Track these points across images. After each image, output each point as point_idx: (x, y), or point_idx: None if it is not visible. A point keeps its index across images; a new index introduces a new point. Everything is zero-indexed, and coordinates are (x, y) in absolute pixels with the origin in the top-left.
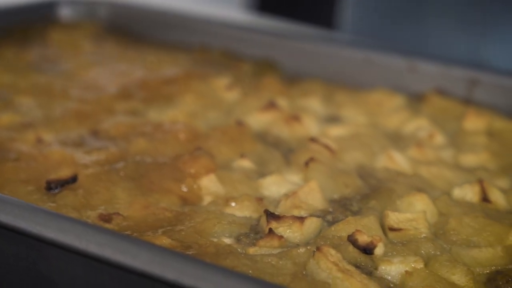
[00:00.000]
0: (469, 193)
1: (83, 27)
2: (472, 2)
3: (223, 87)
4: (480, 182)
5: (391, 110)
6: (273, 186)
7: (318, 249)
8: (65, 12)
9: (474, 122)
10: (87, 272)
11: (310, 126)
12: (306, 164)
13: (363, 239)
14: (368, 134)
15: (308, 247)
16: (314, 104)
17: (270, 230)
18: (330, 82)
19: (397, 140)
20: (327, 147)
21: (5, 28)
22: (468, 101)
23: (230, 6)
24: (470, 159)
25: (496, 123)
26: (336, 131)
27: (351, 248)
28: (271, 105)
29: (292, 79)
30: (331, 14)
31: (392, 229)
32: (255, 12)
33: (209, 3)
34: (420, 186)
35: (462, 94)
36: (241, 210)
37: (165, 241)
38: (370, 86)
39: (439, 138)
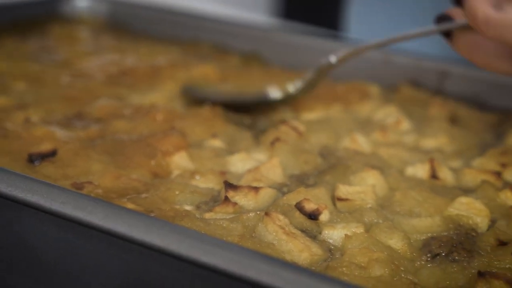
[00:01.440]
0: (420, 170)
1: (83, 22)
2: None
3: (203, 75)
4: (431, 160)
5: (364, 99)
6: (239, 163)
7: (266, 214)
8: (66, 8)
9: (439, 110)
10: (53, 229)
11: (283, 111)
12: (272, 143)
13: (309, 206)
14: (337, 119)
15: (258, 212)
16: None
17: (226, 198)
18: None
19: (365, 125)
20: (295, 129)
21: (9, 21)
22: (438, 92)
23: (257, 12)
24: (429, 143)
25: (460, 111)
26: (308, 115)
27: (297, 214)
28: None
29: (276, 70)
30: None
31: (340, 199)
32: (281, 18)
33: (237, 8)
34: (376, 164)
35: (433, 85)
36: (205, 182)
37: (129, 206)
38: (348, 77)
39: (405, 124)
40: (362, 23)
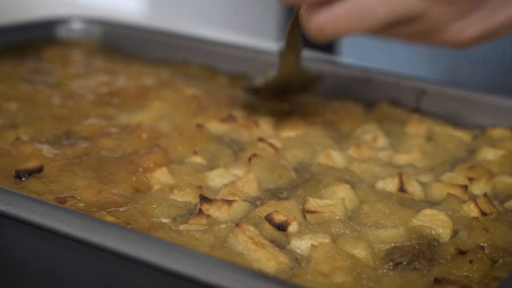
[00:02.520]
0: (389, 184)
1: (77, 45)
2: None
3: (190, 96)
4: (399, 175)
5: (344, 117)
6: (217, 178)
7: (237, 225)
8: (61, 31)
9: (416, 128)
10: (34, 240)
11: (266, 130)
12: (249, 159)
13: (278, 218)
14: (316, 136)
15: (229, 224)
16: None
17: (200, 210)
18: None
19: (343, 141)
20: (272, 145)
21: (5, 44)
22: (415, 110)
23: (267, 39)
24: (402, 158)
25: (436, 128)
26: (287, 133)
27: (267, 225)
28: (229, 117)
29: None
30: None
31: (309, 212)
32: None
33: (248, 35)
34: (347, 179)
35: (411, 103)
36: (182, 196)
37: (108, 218)
38: (329, 95)
39: (381, 141)
40: (354, 48)
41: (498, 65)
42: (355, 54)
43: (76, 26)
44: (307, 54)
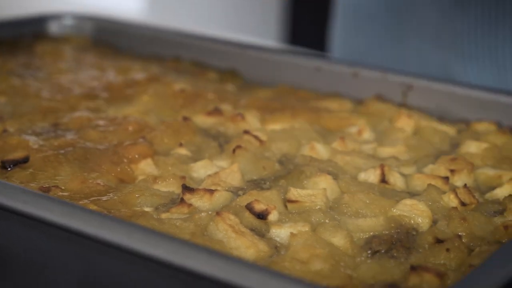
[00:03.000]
0: (371, 176)
1: (69, 40)
2: (446, 24)
3: (178, 91)
4: (381, 166)
5: (331, 111)
6: (202, 169)
7: (218, 213)
8: (53, 27)
9: (403, 122)
10: (17, 228)
11: (252, 123)
12: (233, 151)
13: (259, 207)
14: (301, 130)
15: (210, 212)
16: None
17: (182, 199)
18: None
19: (328, 135)
20: (257, 138)
21: None
22: (402, 105)
23: (268, 39)
24: (386, 151)
25: (422, 122)
26: (273, 126)
27: (247, 214)
28: (216, 111)
29: (252, 86)
30: None
31: (290, 201)
32: (288, 44)
33: (249, 35)
34: (330, 170)
35: (398, 98)
36: (166, 186)
37: (91, 207)
38: (320, 91)
39: (367, 134)
40: (345, 44)
41: (491, 62)
42: (346, 51)
43: (68, 22)
44: (299, 50)
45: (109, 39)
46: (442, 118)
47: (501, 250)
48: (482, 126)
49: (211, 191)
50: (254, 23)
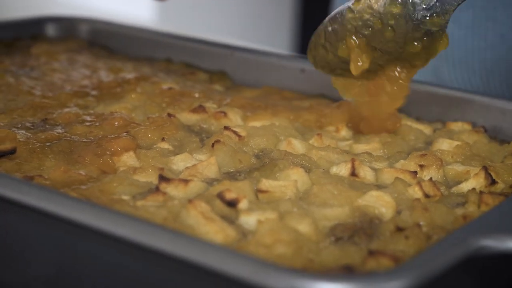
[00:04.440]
0: (343, 169)
1: (65, 42)
2: None
3: (166, 89)
4: (352, 160)
5: (314, 111)
6: (181, 162)
7: (190, 201)
8: (50, 29)
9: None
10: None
11: (235, 120)
12: (212, 145)
13: (229, 195)
14: (280, 127)
15: (182, 201)
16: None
17: (157, 188)
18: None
19: (307, 132)
20: (236, 133)
21: None
22: None
23: (281, 47)
24: (361, 147)
25: (402, 121)
26: (254, 123)
27: (218, 202)
28: (199, 108)
29: (239, 87)
30: None
31: (261, 191)
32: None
33: (262, 44)
34: (303, 164)
35: None
36: (144, 177)
37: (71, 194)
38: (305, 92)
39: (344, 132)
40: None
41: (480, 66)
42: None
43: (65, 24)
44: (286, 53)
45: (104, 41)
46: (420, 118)
47: (450, 235)
48: (457, 126)
49: (185, 181)
50: (265, 32)
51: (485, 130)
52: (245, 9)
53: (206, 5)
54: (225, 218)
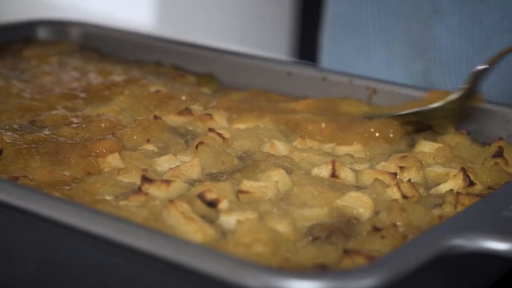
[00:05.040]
0: (323, 171)
1: (56, 45)
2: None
3: (154, 92)
4: (333, 161)
5: (298, 112)
6: (165, 163)
7: (171, 201)
8: (42, 32)
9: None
10: None
11: (220, 122)
12: (196, 147)
13: (210, 195)
14: (265, 129)
15: (164, 201)
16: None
17: (139, 188)
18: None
19: (291, 134)
20: (220, 135)
21: None
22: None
23: (279, 53)
24: (343, 149)
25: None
26: (238, 125)
27: (199, 202)
28: (185, 110)
29: (227, 90)
30: None
31: (241, 192)
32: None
33: (262, 50)
34: (285, 165)
35: (363, 100)
36: (128, 178)
37: (54, 194)
38: (292, 95)
39: (328, 133)
40: (333, 54)
41: (467, 70)
42: (335, 60)
43: (56, 27)
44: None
45: (95, 44)
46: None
47: (422, 235)
48: (441, 128)
49: (168, 182)
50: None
51: (468, 133)
52: (244, 14)
53: (206, 9)
54: (205, 218)
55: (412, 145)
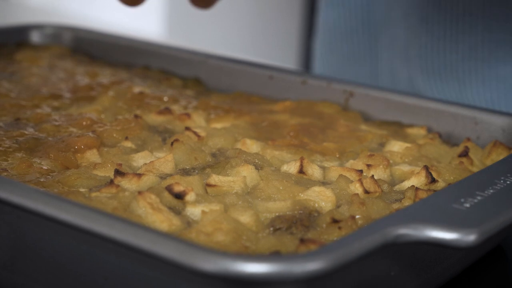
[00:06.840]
0: (292, 167)
1: (48, 49)
2: (413, 41)
3: (137, 93)
4: (301, 158)
5: (275, 113)
6: (141, 159)
7: (139, 193)
8: (35, 36)
9: (340, 124)
10: None
11: (198, 122)
12: (172, 144)
13: (178, 188)
14: (241, 128)
15: (133, 192)
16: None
17: (111, 181)
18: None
19: (266, 134)
20: (196, 133)
21: None
22: (344, 109)
23: (285, 63)
24: (314, 148)
25: (360, 126)
26: (216, 125)
27: (167, 194)
28: (165, 110)
29: (211, 92)
30: None
31: (209, 185)
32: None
33: (269, 59)
34: (256, 162)
35: (341, 104)
36: (103, 172)
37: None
38: (273, 98)
39: (301, 134)
40: (325, 61)
41: (452, 78)
42: (326, 67)
43: (48, 31)
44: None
45: (87, 48)
46: (380, 123)
47: (371, 224)
48: (413, 130)
49: (139, 175)
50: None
51: (440, 136)
52: (253, 25)
53: (215, 20)
54: (172, 209)
55: (383, 144)
